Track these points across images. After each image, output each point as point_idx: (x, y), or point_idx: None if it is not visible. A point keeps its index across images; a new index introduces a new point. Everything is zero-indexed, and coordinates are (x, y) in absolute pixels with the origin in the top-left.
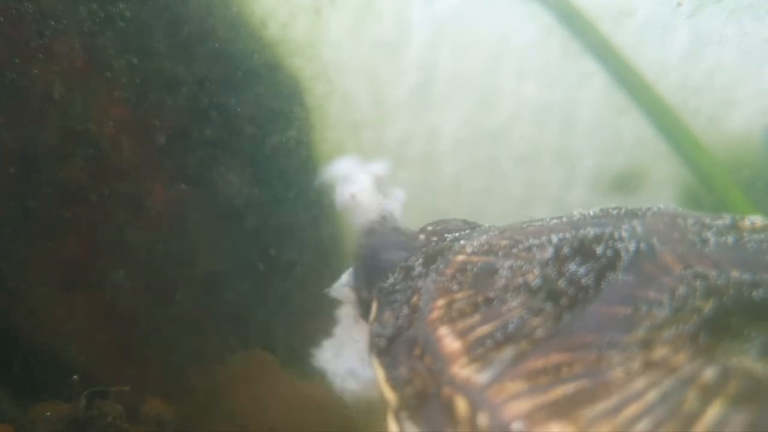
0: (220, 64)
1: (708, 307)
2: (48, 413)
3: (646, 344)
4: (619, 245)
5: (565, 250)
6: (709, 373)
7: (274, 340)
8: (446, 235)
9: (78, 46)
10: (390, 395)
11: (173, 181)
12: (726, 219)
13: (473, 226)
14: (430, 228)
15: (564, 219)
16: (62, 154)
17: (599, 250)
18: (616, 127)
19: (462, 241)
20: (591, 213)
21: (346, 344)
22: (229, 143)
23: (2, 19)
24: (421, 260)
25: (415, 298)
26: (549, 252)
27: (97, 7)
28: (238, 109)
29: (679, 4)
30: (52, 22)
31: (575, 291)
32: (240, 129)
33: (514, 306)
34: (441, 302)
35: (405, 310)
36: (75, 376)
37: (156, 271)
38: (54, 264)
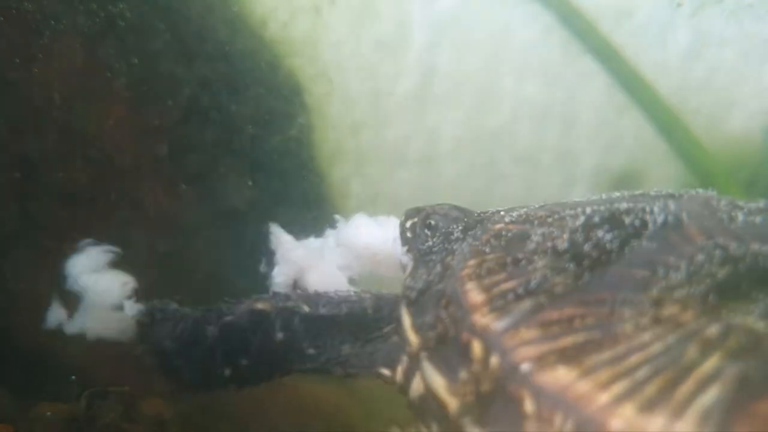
0: (220, 63)
1: (722, 272)
2: (48, 413)
3: (658, 302)
4: (648, 217)
5: (596, 218)
6: (712, 329)
7: None
8: (489, 208)
9: (78, 46)
10: (413, 338)
11: (173, 181)
12: (760, 203)
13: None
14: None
15: (604, 196)
16: (62, 154)
17: (628, 220)
18: (616, 127)
19: (502, 212)
20: (631, 194)
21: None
22: (229, 143)
23: (2, 19)
24: (461, 227)
25: (449, 259)
26: (580, 220)
27: (97, 7)
28: (238, 109)
29: (679, 5)
30: (52, 22)
31: (598, 254)
32: (240, 129)
33: (540, 266)
34: (472, 262)
35: (438, 268)
36: (73, 377)
37: (156, 271)
38: (54, 264)
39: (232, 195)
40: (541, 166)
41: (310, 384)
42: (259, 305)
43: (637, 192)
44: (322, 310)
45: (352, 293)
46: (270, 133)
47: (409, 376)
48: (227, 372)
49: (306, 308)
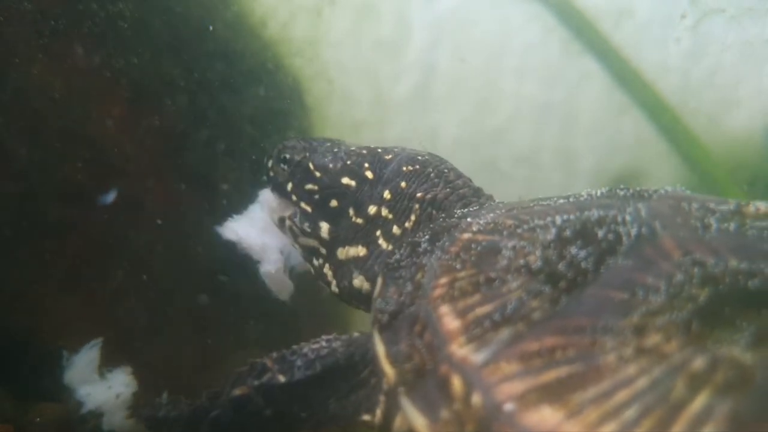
0: (220, 63)
1: (703, 295)
2: (47, 413)
3: (640, 330)
4: (621, 229)
5: (567, 232)
6: (699, 362)
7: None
8: (456, 211)
9: (78, 46)
10: (389, 370)
11: (173, 181)
12: (731, 204)
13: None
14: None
15: (571, 199)
16: (62, 154)
17: (601, 233)
18: (616, 127)
19: (469, 219)
20: (598, 193)
21: (259, 222)
22: (229, 143)
23: (2, 19)
24: (427, 237)
25: (419, 276)
26: (552, 233)
27: (97, 7)
28: (238, 109)
29: (683, 17)
30: (52, 22)
31: (574, 274)
32: (240, 129)
33: (514, 287)
34: (444, 280)
35: (408, 287)
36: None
37: (156, 271)
38: (54, 264)
39: (231, 195)
40: (542, 166)
41: None
42: (237, 392)
43: (604, 189)
44: (298, 375)
45: (324, 344)
46: (270, 133)
47: (388, 416)
48: None
49: (282, 378)
